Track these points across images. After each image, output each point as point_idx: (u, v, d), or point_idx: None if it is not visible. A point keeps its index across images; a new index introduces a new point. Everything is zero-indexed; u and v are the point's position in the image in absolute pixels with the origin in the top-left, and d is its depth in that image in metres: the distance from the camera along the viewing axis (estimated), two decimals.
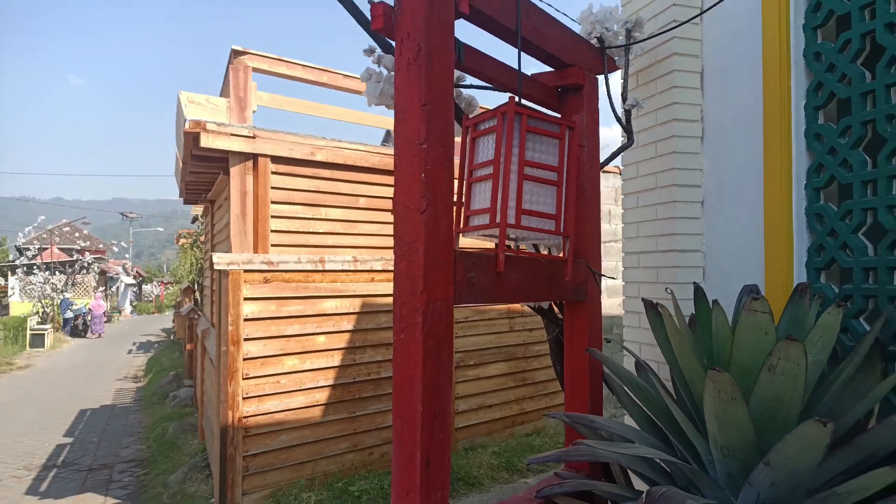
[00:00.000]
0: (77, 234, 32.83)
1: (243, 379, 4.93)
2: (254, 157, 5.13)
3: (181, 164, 6.52)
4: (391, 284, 5.81)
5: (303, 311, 5.30)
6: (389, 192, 5.96)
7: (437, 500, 1.46)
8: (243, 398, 4.92)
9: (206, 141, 4.79)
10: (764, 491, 1.44)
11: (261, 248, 5.14)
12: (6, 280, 32.77)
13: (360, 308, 5.64)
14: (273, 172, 5.24)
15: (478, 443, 6.40)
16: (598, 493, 1.83)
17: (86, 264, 27.07)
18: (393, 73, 1.85)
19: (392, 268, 5.48)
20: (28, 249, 27.97)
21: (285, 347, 5.19)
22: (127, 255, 48.36)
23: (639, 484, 1.90)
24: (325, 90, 6.35)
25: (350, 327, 5.57)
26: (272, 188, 5.23)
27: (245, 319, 4.96)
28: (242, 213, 5.08)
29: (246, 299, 4.97)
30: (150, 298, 49.57)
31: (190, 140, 4.92)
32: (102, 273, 35.40)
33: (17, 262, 25.46)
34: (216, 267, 4.83)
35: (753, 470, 1.42)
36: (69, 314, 23.59)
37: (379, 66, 1.82)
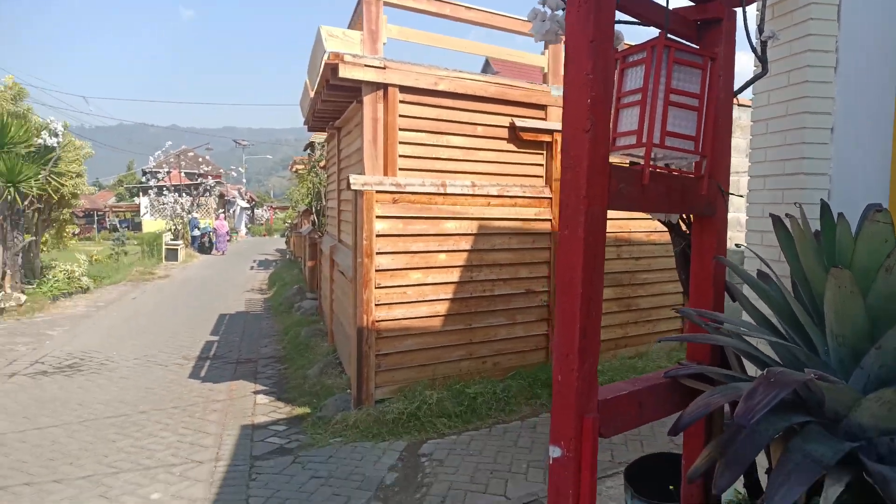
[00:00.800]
0: (200, 160, 35.49)
1: (375, 288, 5.54)
2: (384, 86, 5.53)
3: (312, 93, 7.07)
4: (505, 209, 6.18)
5: (426, 230, 5.79)
6: (504, 121, 6.23)
7: (589, 364, 1.84)
8: (375, 305, 5.55)
9: (344, 72, 5.24)
10: (873, 373, 1.71)
11: (390, 171, 5.62)
12: (138, 200, 36.04)
13: (477, 230, 6.06)
14: (400, 101, 5.64)
15: None
16: (715, 378, 2.16)
17: (209, 187, 29.33)
18: (557, 12, 2.13)
19: (507, 193, 5.82)
20: (158, 172, 30.59)
21: (410, 262, 5.74)
22: (244, 180, 51.57)
23: (753, 372, 2.20)
24: (434, 20, 6.53)
25: (467, 247, 6.02)
26: (400, 116, 5.64)
27: (377, 235, 5.51)
28: (374, 138, 5.55)
29: (377, 217, 5.51)
30: (262, 222, 53.03)
31: (328, 71, 5.38)
32: (221, 196, 38.18)
33: (151, 184, 27.97)
34: (353, 187, 5.36)
35: (865, 355, 1.69)
36: (196, 232, 25.92)
37: (544, 7, 2.10)
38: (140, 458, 4.85)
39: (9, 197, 11.11)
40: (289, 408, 6.15)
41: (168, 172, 31.52)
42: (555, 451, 1.84)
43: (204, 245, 26.11)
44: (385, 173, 5.61)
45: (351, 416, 5.45)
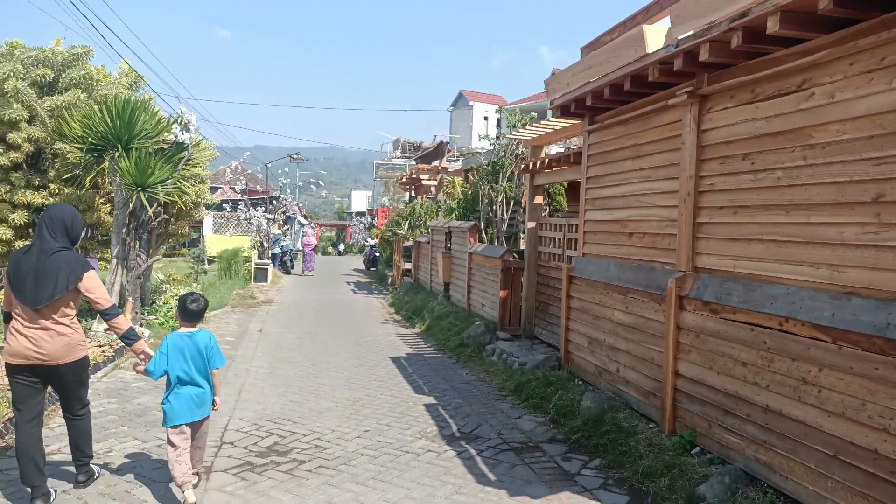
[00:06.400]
0: (256, 176, 32.95)
1: None
2: None
3: (650, 48, 4.58)
4: None
5: None
6: None
7: None
8: None
9: None
10: None
11: None
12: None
13: None
14: None
15: None
16: None
17: (284, 202, 27.22)
18: None
19: None
20: (218, 188, 28.58)
21: None
22: (296, 196, 49.67)
23: None
24: None
25: None
26: None
27: None
28: None
29: None
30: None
31: None
32: (283, 212, 36.11)
33: (240, 198, 25.93)
34: None
35: None
36: (277, 250, 23.63)
37: None
38: None
39: (131, 204, 8.76)
40: None
41: (244, 190, 29.61)
42: None
43: (285, 264, 23.82)
44: None
45: None
